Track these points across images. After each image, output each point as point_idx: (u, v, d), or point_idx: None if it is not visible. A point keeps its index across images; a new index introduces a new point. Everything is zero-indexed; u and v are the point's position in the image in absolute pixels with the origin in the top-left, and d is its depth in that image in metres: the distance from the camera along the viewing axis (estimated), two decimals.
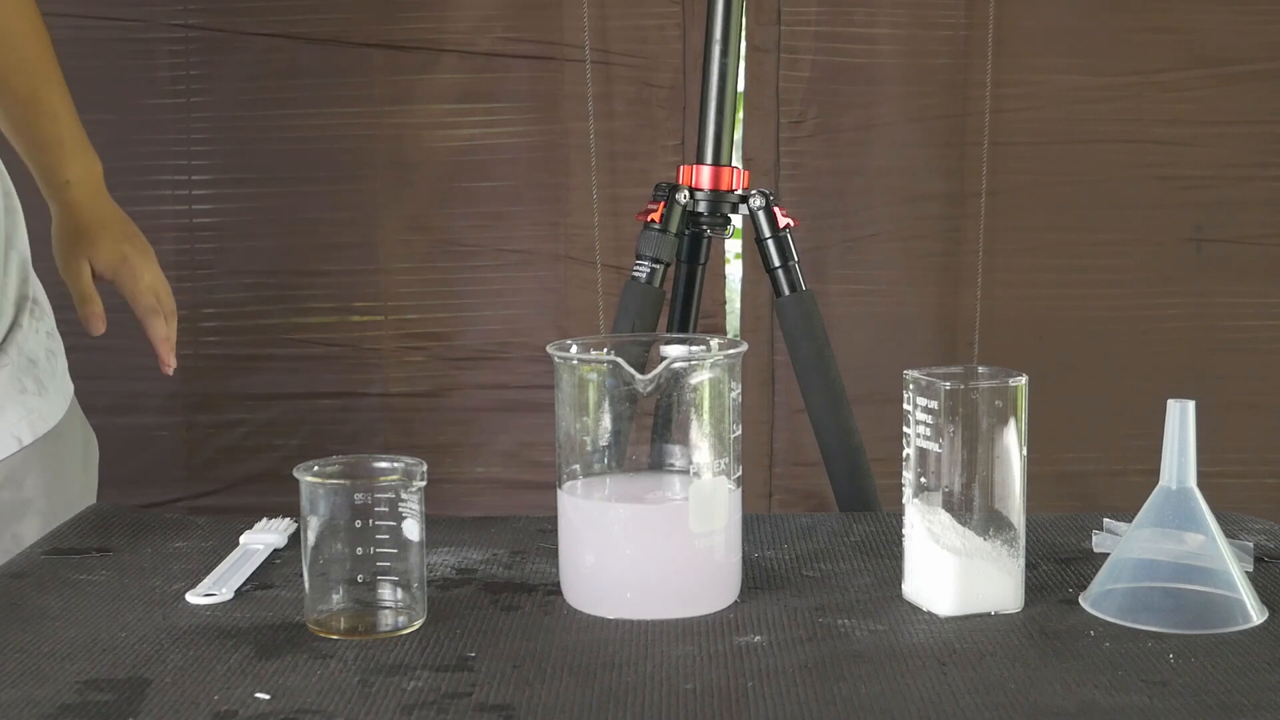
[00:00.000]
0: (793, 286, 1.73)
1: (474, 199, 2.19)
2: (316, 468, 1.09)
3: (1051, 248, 2.21)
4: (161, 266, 1.60)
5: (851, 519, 1.40)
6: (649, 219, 1.73)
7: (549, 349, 1.13)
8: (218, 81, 2.15)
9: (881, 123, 2.19)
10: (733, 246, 2.24)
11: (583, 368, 1.13)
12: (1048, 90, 2.18)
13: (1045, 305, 2.22)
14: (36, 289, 1.54)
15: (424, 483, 1.09)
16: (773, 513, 2.19)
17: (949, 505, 1.10)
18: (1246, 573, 1.14)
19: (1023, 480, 1.11)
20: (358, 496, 1.08)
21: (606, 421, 1.13)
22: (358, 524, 1.08)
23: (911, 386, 1.11)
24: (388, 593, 1.09)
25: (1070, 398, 2.19)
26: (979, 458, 1.09)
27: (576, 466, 1.14)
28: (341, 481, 1.09)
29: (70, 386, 1.55)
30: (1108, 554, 1.15)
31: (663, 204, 1.72)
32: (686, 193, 1.73)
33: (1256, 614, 1.09)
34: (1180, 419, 1.09)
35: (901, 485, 1.13)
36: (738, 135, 1.96)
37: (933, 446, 1.09)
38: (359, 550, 1.08)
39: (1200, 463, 1.10)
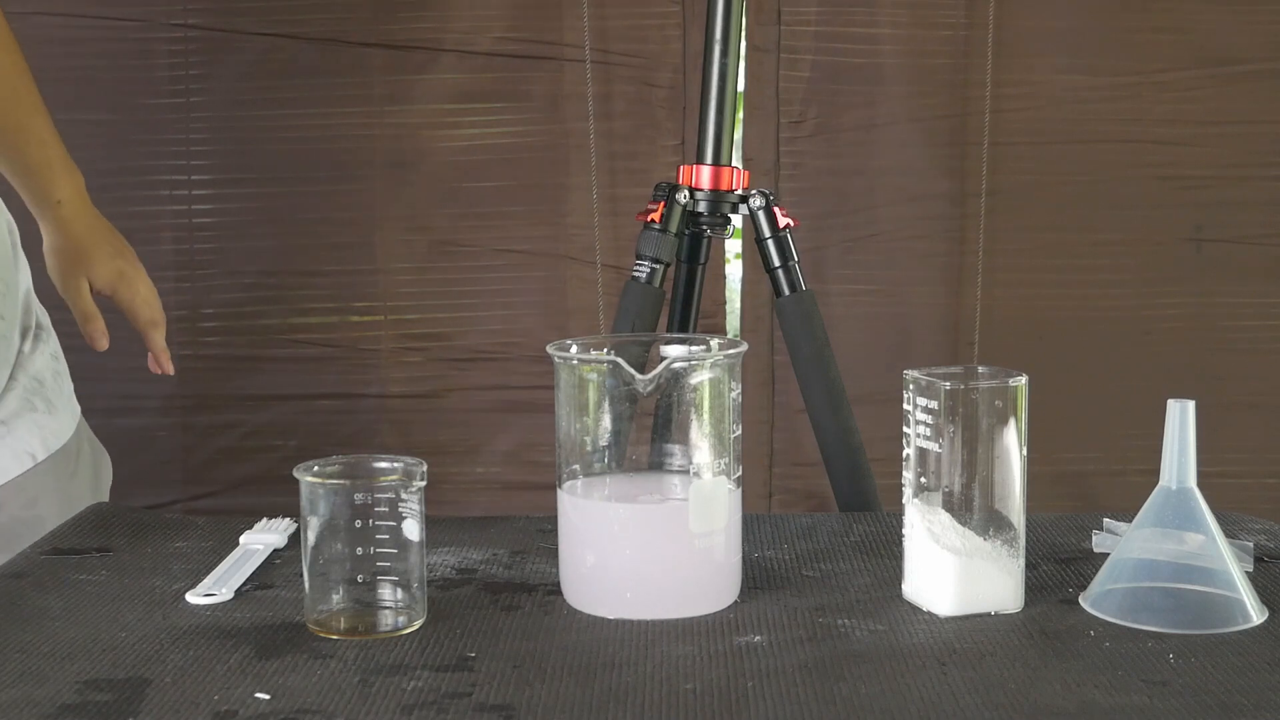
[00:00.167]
0: (793, 286, 1.73)
1: (474, 199, 2.19)
2: (316, 468, 1.09)
3: (1051, 248, 2.21)
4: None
5: (851, 519, 1.40)
6: (649, 219, 1.73)
7: (549, 349, 1.13)
8: (217, 81, 2.15)
9: (881, 123, 2.19)
10: (733, 246, 2.24)
11: (583, 368, 1.13)
12: (1048, 90, 2.18)
13: (1045, 305, 2.22)
14: (40, 313, 1.57)
15: (424, 483, 1.09)
16: (773, 513, 2.19)
17: (949, 505, 1.10)
18: (1246, 573, 1.14)
19: (1023, 480, 1.11)
20: (358, 496, 1.08)
21: (606, 421, 1.13)
22: (358, 524, 1.08)
23: (911, 386, 1.11)
24: (388, 593, 1.09)
25: (1070, 398, 2.19)
26: (979, 458, 1.09)
27: (576, 466, 1.14)
28: (341, 481, 1.09)
29: (77, 407, 1.58)
30: (1108, 554, 1.15)
31: (663, 204, 1.72)
32: (686, 193, 1.72)
33: (1256, 614, 1.09)
34: (1180, 419, 1.09)
35: (901, 485, 1.13)
36: (738, 135, 1.96)
37: (933, 446, 1.09)
38: (359, 550, 1.08)
39: (1200, 463, 1.10)
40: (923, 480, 1.11)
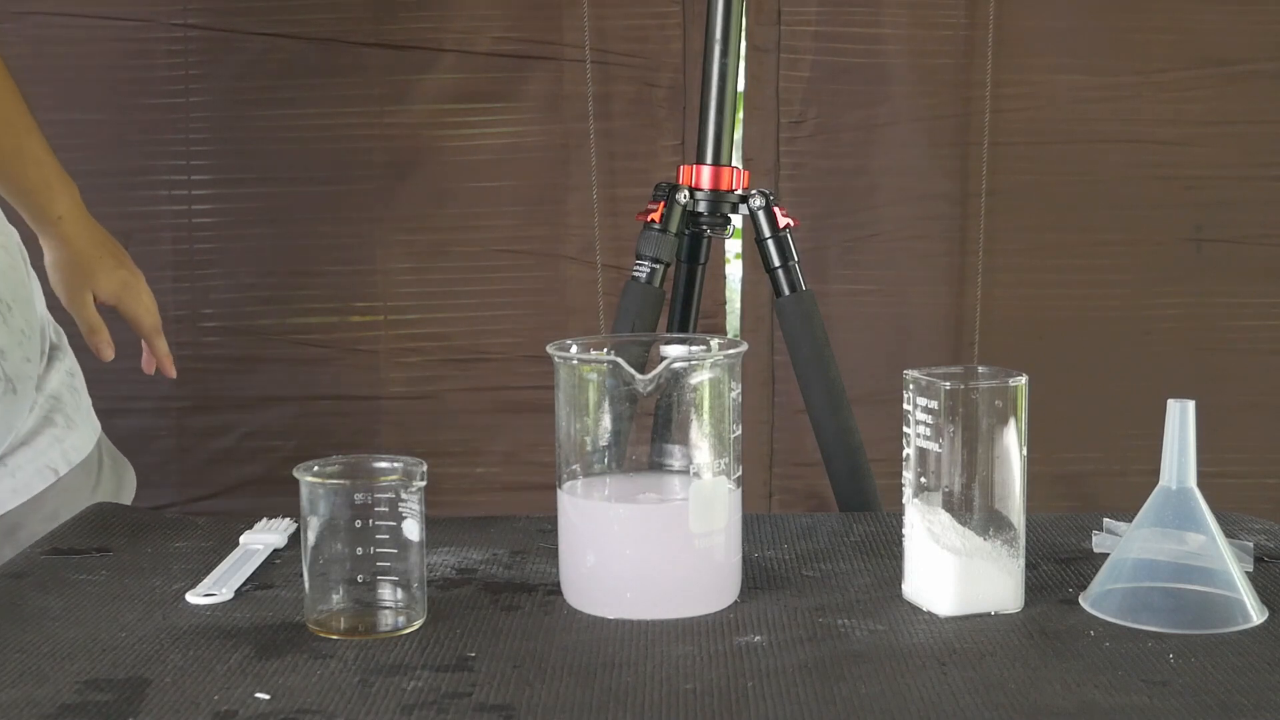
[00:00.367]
0: (793, 286, 1.73)
1: (473, 199, 2.19)
2: (316, 468, 1.09)
3: (1051, 248, 2.21)
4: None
5: (851, 519, 1.40)
6: (649, 219, 1.73)
7: (549, 349, 1.13)
8: (217, 81, 2.15)
9: (882, 123, 2.19)
10: (733, 246, 2.24)
11: (583, 368, 1.13)
12: (1048, 90, 2.18)
13: (1045, 305, 2.22)
14: (55, 333, 1.58)
15: (424, 483, 1.09)
16: (773, 513, 2.19)
17: (949, 505, 1.10)
18: (1246, 573, 1.14)
19: (1023, 480, 1.11)
20: (358, 496, 1.08)
21: (606, 421, 1.13)
22: (358, 524, 1.08)
23: (911, 386, 1.11)
24: (388, 593, 1.09)
25: (1070, 398, 2.19)
26: (979, 458, 1.09)
27: (576, 466, 1.14)
28: (341, 481, 1.09)
29: (97, 422, 1.59)
30: (1108, 554, 1.15)
31: (663, 204, 1.72)
32: (686, 193, 1.72)
33: (1256, 614, 1.09)
34: (1180, 419, 1.09)
35: (901, 485, 1.13)
36: (738, 135, 1.96)
37: (933, 446, 1.09)
38: (359, 550, 1.08)
39: (1200, 463, 1.10)
40: (923, 480, 1.11)
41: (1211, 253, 2.21)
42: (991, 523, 1.10)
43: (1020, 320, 2.21)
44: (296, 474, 1.09)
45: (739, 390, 1.13)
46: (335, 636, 1.07)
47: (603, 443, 1.13)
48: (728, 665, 1.01)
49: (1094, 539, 1.27)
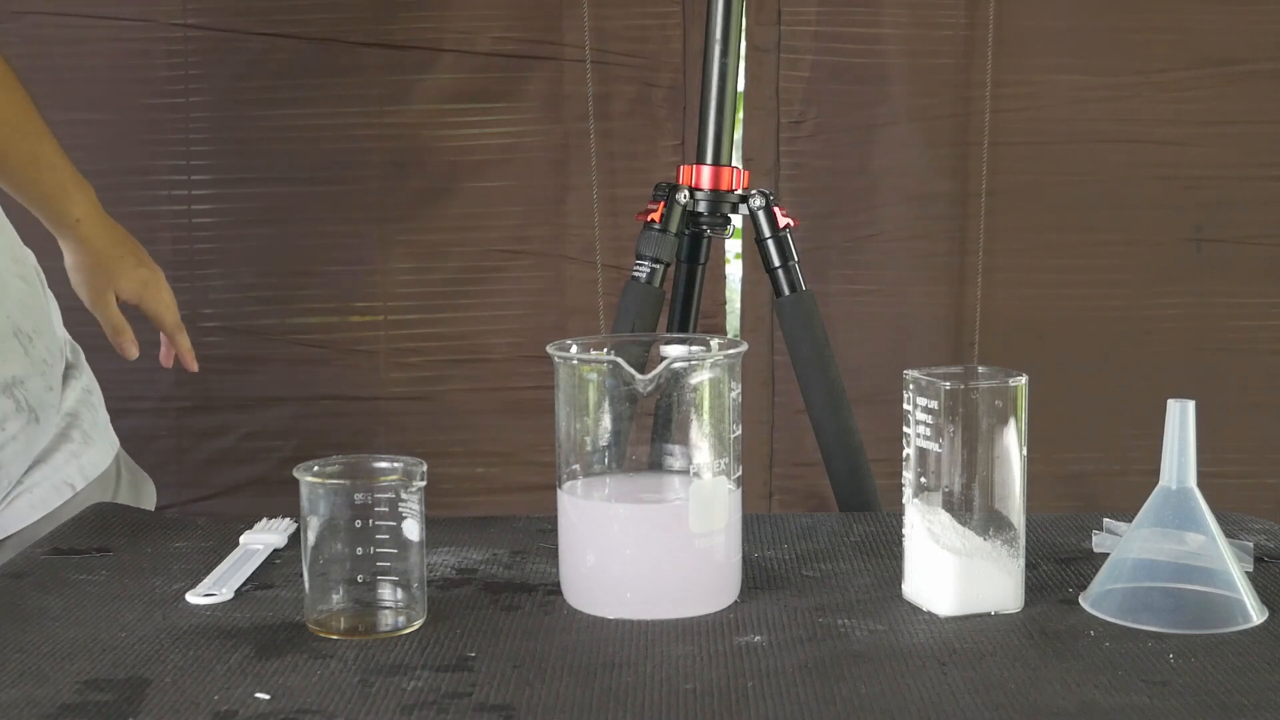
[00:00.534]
0: (793, 286, 1.73)
1: (473, 199, 2.19)
2: (316, 468, 1.09)
3: (1051, 248, 2.21)
4: (160, 266, 1.64)
5: (851, 519, 1.40)
6: (649, 219, 1.73)
7: (549, 349, 1.13)
8: (217, 81, 2.15)
9: (882, 123, 2.19)
10: (733, 246, 2.24)
11: (583, 368, 1.13)
12: (1048, 90, 2.18)
13: (1045, 305, 2.22)
14: (71, 350, 1.57)
15: (424, 483, 1.09)
16: (773, 513, 2.19)
17: (949, 505, 1.10)
18: (1246, 573, 1.14)
19: (1023, 480, 1.11)
20: (358, 496, 1.08)
21: (606, 421, 1.13)
22: (358, 524, 1.08)
23: (911, 386, 1.11)
24: (388, 593, 1.09)
25: (1070, 398, 2.19)
26: (979, 458, 1.09)
27: (576, 466, 1.14)
28: (341, 481, 1.09)
29: (115, 437, 1.59)
30: (1108, 554, 1.15)
31: (663, 204, 1.72)
32: (686, 193, 1.73)
33: (1256, 614, 1.09)
34: (1180, 419, 1.09)
35: (901, 485, 1.13)
36: (738, 135, 1.96)
37: (933, 446, 1.09)
38: (359, 550, 1.08)
39: (1200, 463, 1.10)
40: (923, 480, 1.11)
41: (1211, 253, 2.21)
42: (991, 523, 1.10)
43: (1020, 320, 2.21)
44: (296, 474, 1.09)
45: (739, 390, 1.13)
46: (335, 636, 1.07)
47: (603, 443, 1.13)
48: (728, 665, 1.01)
49: (1094, 539, 1.27)
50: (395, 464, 1.10)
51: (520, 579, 1.20)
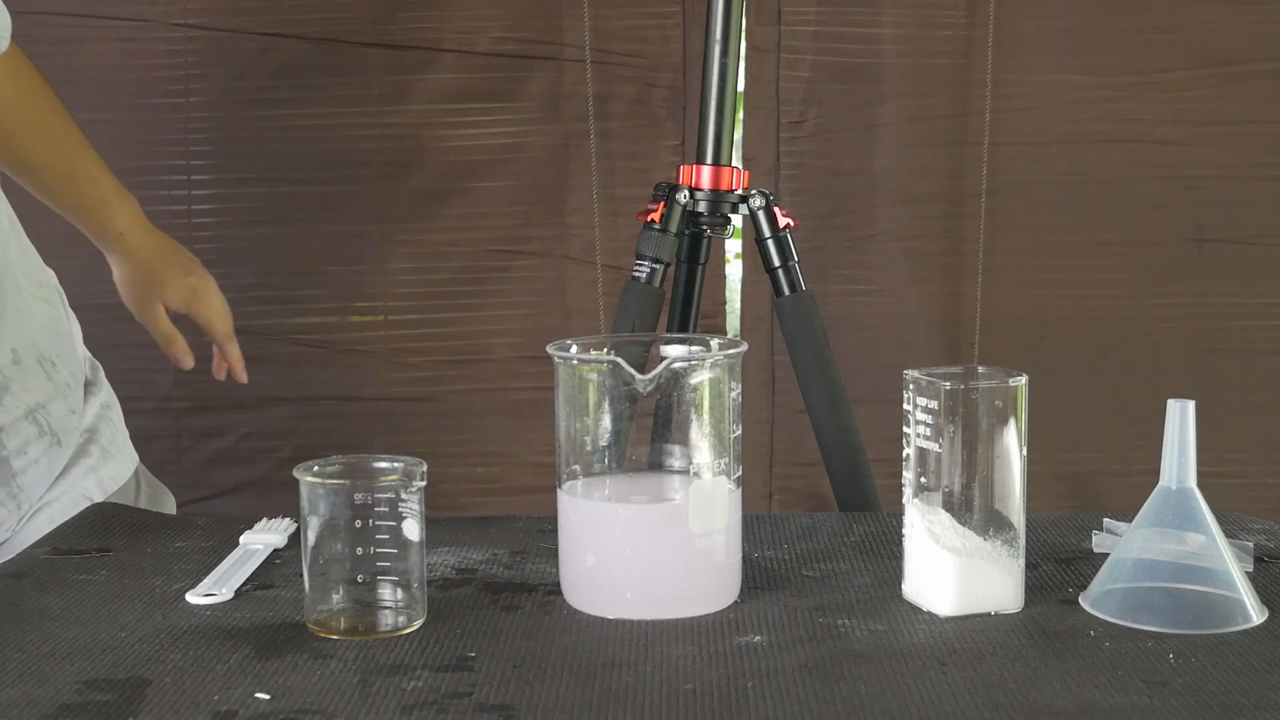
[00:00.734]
0: (793, 286, 1.73)
1: (473, 199, 2.19)
2: (316, 468, 1.09)
3: (1052, 248, 2.21)
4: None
5: (851, 519, 1.40)
6: (649, 219, 1.73)
7: (549, 349, 1.13)
8: (216, 81, 2.15)
9: (881, 123, 2.19)
10: (733, 246, 2.24)
11: (583, 368, 1.13)
12: (1048, 90, 2.18)
13: (1045, 305, 2.22)
14: (92, 370, 1.57)
15: (424, 482, 1.09)
16: (773, 513, 2.19)
17: (949, 505, 1.10)
18: (1246, 573, 1.14)
19: (1023, 480, 1.11)
20: (358, 496, 1.08)
21: (606, 421, 1.13)
22: (358, 524, 1.08)
23: (911, 386, 1.11)
24: (388, 593, 1.09)
25: (1070, 398, 2.19)
26: (979, 458, 1.09)
27: (577, 466, 1.14)
28: (341, 481, 1.09)
29: (134, 453, 1.60)
30: (1108, 554, 1.15)
31: (663, 204, 1.72)
32: (686, 193, 1.73)
33: (1256, 614, 1.09)
34: (1180, 419, 1.09)
35: (901, 485, 1.13)
36: (738, 135, 1.96)
37: (933, 446, 1.09)
38: (359, 550, 1.08)
39: (1200, 463, 1.10)
40: (923, 480, 1.11)
41: (1212, 253, 2.21)
42: (991, 523, 1.10)
43: (1020, 320, 2.21)
44: (296, 474, 1.09)
45: (739, 390, 1.13)
46: (335, 636, 1.07)
47: (603, 443, 1.13)
48: (728, 665, 1.01)
49: (1094, 539, 1.27)
50: (395, 464, 1.10)
51: (520, 579, 1.20)
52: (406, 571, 1.09)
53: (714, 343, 1.15)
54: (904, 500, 1.13)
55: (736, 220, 1.79)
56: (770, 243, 1.72)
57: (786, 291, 1.73)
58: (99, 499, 1.49)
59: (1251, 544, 1.22)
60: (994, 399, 1.09)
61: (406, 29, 2.15)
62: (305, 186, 2.18)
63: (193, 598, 1.15)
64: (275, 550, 1.27)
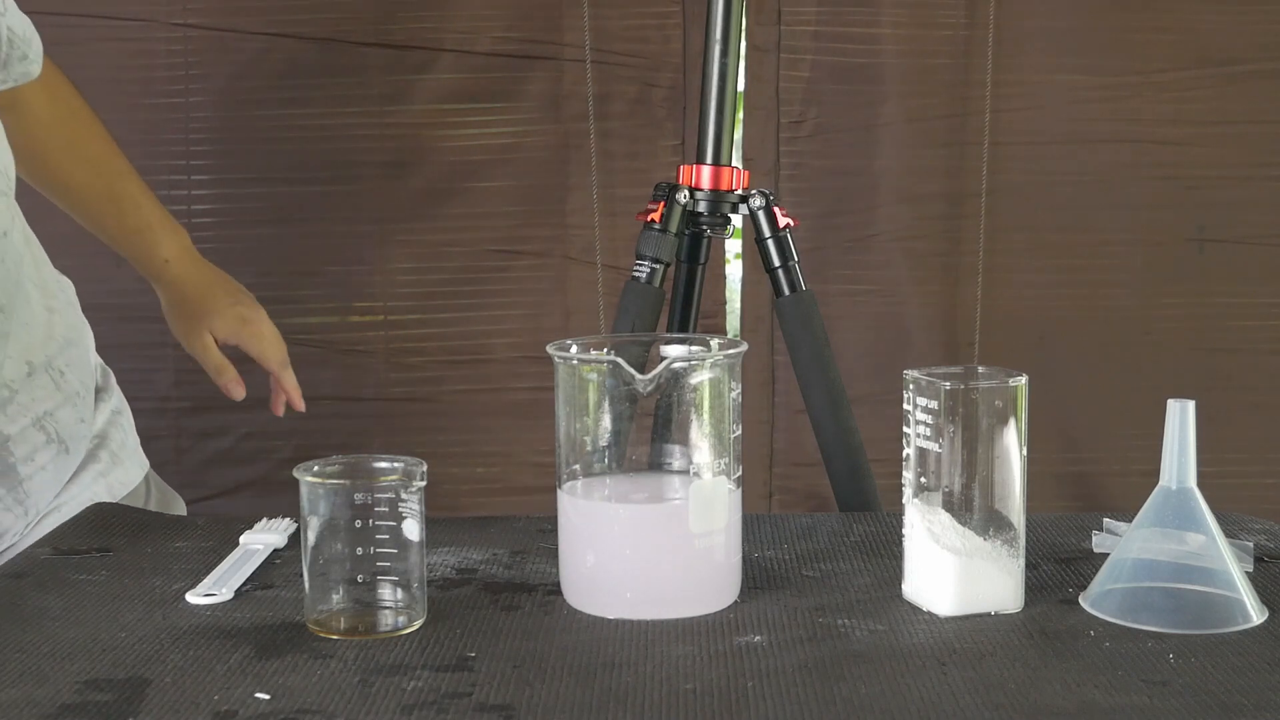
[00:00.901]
0: (793, 286, 1.73)
1: (473, 199, 2.19)
2: (316, 468, 1.09)
3: (1052, 248, 2.21)
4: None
5: (851, 519, 1.40)
6: (649, 219, 1.73)
7: (549, 349, 1.13)
8: (216, 81, 2.15)
9: (881, 123, 2.19)
10: (733, 246, 2.24)
11: (583, 368, 1.13)
12: (1048, 90, 2.18)
13: (1045, 305, 2.22)
14: (103, 377, 1.57)
15: (424, 482, 1.09)
16: (773, 513, 2.19)
17: (949, 505, 1.10)
18: (1246, 573, 1.14)
19: (1023, 480, 1.11)
20: (358, 496, 1.08)
21: (606, 421, 1.13)
22: (358, 524, 1.08)
23: (911, 386, 1.11)
24: (388, 593, 1.09)
25: (1070, 398, 2.19)
26: (979, 458, 1.09)
27: (577, 467, 1.14)
28: (341, 481, 1.09)
29: (145, 459, 1.60)
30: (1108, 554, 1.15)
31: (663, 204, 1.72)
32: (686, 193, 1.73)
33: (1256, 614, 1.09)
34: (1180, 419, 1.09)
35: (901, 485, 1.13)
36: (738, 135, 1.96)
37: (933, 446, 1.09)
38: (359, 550, 1.08)
39: (1200, 463, 1.10)
40: (923, 480, 1.11)
41: (1214, 253, 2.21)
42: (991, 523, 1.10)
43: (1020, 320, 2.21)
44: (296, 474, 1.09)
45: (739, 390, 1.13)
46: (335, 636, 1.07)
47: (603, 443, 1.13)
48: (728, 665, 1.01)
49: (1094, 539, 1.27)
50: (395, 464, 1.10)
51: (520, 579, 1.20)
52: (406, 571, 1.09)
53: (714, 343, 1.15)
54: (904, 500, 1.13)
55: (736, 220, 1.79)
56: (770, 243, 1.72)
57: (786, 291, 1.73)
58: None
59: (1251, 544, 1.22)
60: (994, 399, 1.09)
61: (406, 29, 2.15)
62: (305, 186, 2.18)
63: (193, 598, 1.15)
64: (275, 550, 1.27)
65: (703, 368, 1.11)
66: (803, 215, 1.93)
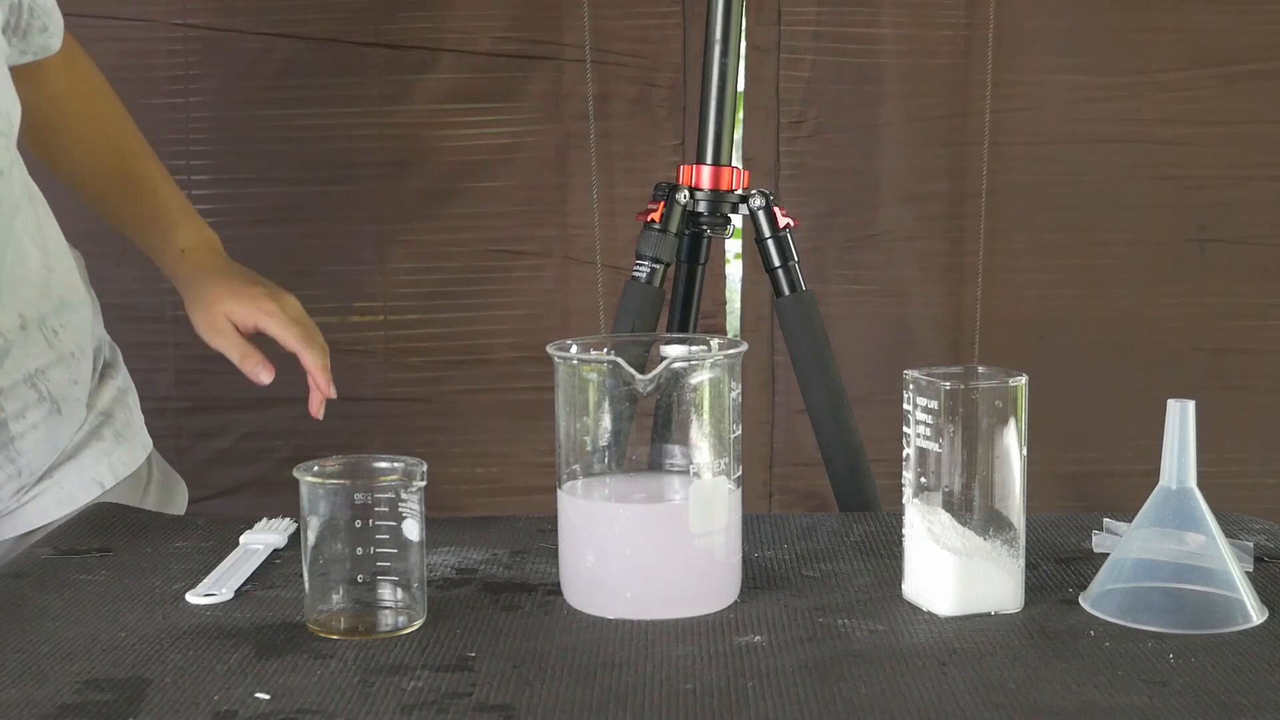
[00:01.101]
0: (793, 286, 1.73)
1: (473, 199, 2.19)
2: (316, 468, 1.09)
3: (1052, 248, 2.21)
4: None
5: (851, 519, 1.40)
6: (649, 219, 1.73)
7: (549, 349, 1.13)
8: (216, 81, 2.15)
9: (881, 123, 2.19)
10: (733, 246, 2.24)
11: (583, 368, 1.13)
12: (1048, 90, 2.18)
13: (1046, 305, 2.22)
14: (108, 352, 1.55)
15: (424, 482, 1.09)
16: (773, 513, 2.19)
17: (949, 505, 1.10)
18: (1246, 573, 1.14)
19: (1023, 480, 1.11)
20: (358, 496, 1.08)
21: (606, 421, 1.13)
22: (358, 524, 1.08)
23: (911, 386, 1.11)
24: (388, 593, 1.09)
25: (1070, 398, 2.19)
26: (979, 458, 1.09)
27: (577, 467, 1.14)
28: (341, 481, 1.09)
29: (148, 439, 1.58)
30: (1108, 554, 1.15)
31: (663, 204, 1.72)
32: (686, 193, 1.73)
33: (1256, 614, 1.09)
34: (1180, 419, 1.09)
35: (901, 485, 1.13)
36: (738, 135, 1.96)
37: (933, 446, 1.09)
38: (359, 550, 1.08)
39: (1200, 463, 1.10)
40: (923, 480, 1.11)
41: (1214, 253, 2.21)
42: (991, 523, 1.10)
43: (1020, 320, 2.21)
44: (296, 474, 1.09)
45: (739, 390, 1.13)
46: (335, 636, 1.07)
47: (603, 443, 1.13)
48: (728, 665, 1.01)
49: (1094, 539, 1.27)
50: (395, 464, 1.10)
51: (520, 579, 1.20)
52: (406, 571, 1.09)
53: (714, 343, 1.15)
54: (904, 500, 1.13)
55: (736, 220, 1.79)
56: (770, 243, 1.72)
57: (786, 291, 1.73)
58: (110, 483, 1.48)
59: (1251, 544, 1.22)
60: (994, 399, 1.09)
61: (406, 29, 2.15)
62: (305, 186, 2.18)
63: (193, 598, 1.15)
64: (275, 550, 1.27)
65: (703, 368, 1.11)
66: (803, 215, 1.93)
